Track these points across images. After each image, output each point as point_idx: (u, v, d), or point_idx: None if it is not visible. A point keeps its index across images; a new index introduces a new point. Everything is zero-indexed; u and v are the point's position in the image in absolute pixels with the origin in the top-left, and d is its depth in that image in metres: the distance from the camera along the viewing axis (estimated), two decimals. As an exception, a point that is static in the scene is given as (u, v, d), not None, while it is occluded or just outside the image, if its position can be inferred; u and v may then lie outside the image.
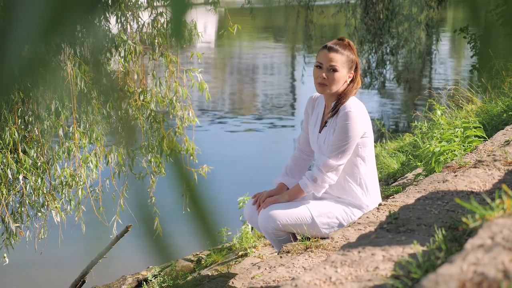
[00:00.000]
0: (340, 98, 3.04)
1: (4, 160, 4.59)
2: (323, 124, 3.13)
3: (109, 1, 4.55)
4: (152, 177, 5.08)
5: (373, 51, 12.34)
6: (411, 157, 4.94)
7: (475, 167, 2.59)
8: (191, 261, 4.98)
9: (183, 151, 5.28)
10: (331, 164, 2.98)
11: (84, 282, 4.72)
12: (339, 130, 2.97)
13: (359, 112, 2.99)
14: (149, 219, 0.88)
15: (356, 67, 3.08)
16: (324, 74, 2.99)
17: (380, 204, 2.81)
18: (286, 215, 3.03)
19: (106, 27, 4.66)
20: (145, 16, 5.08)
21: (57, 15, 0.70)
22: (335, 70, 2.99)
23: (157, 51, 5.05)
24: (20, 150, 4.67)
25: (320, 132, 3.14)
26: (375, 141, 6.12)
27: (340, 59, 3.00)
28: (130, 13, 4.87)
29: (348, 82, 3.06)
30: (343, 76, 3.02)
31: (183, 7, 0.74)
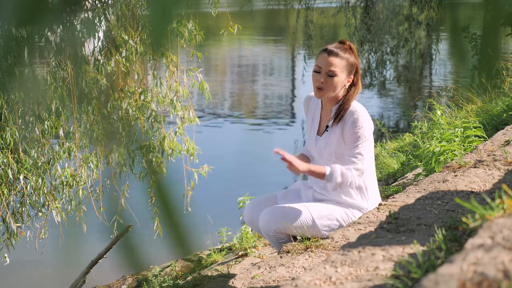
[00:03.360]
0: (343, 103, 3.02)
1: (5, 160, 4.60)
2: (324, 127, 3.12)
3: (110, 1, 4.55)
4: (153, 177, 5.07)
5: (373, 51, 12.35)
6: (411, 157, 4.95)
7: (475, 167, 2.60)
8: (191, 261, 4.98)
9: (184, 151, 5.29)
10: (361, 169, 2.96)
11: (84, 282, 4.72)
12: (354, 137, 2.94)
13: (365, 114, 2.99)
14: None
15: (357, 71, 3.05)
16: (322, 79, 2.97)
17: (380, 204, 2.82)
18: (287, 217, 3.03)
19: (107, 27, 4.67)
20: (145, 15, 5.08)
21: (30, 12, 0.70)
22: (333, 75, 2.96)
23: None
24: (20, 150, 4.68)
25: (319, 135, 3.13)
26: (375, 141, 6.13)
27: (340, 63, 2.97)
28: (130, 12, 4.87)
29: (347, 87, 3.03)
30: (341, 81, 2.99)
31: (165, 18, 0.72)
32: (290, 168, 2.90)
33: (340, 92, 3.02)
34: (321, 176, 2.95)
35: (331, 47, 3.02)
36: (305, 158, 3.29)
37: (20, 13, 0.69)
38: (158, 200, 0.81)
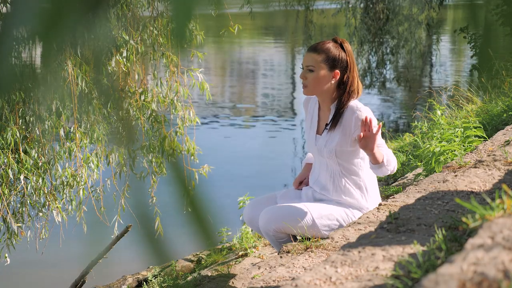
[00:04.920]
0: (339, 103, 3.03)
1: (6, 160, 4.60)
2: (323, 126, 3.12)
3: (110, 1, 4.56)
4: (153, 177, 5.09)
5: (373, 51, 12.36)
6: (411, 157, 4.95)
7: (475, 167, 2.60)
8: (191, 261, 4.99)
9: (184, 151, 5.29)
10: (389, 153, 2.94)
11: (84, 282, 4.72)
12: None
13: (365, 107, 2.99)
14: (149, 221, 0.89)
15: (347, 66, 3.02)
16: (303, 75, 3.02)
17: (380, 204, 2.82)
18: (286, 217, 3.03)
19: (107, 27, 4.67)
20: (146, 16, 5.09)
21: (57, 14, 0.70)
22: (311, 71, 2.99)
23: (157, 51, 5.06)
24: (21, 150, 4.68)
25: (319, 133, 3.13)
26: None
27: (317, 58, 2.98)
28: (131, 13, 4.88)
29: (334, 82, 3.01)
30: (322, 75, 2.99)
31: (188, 8, 0.73)
32: (362, 141, 2.81)
33: (327, 88, 3.01)
34: (376, 161, 2.86)
35: (314, 44, 3.07)
36: (309, 167, 3.33)
37: (44, 18, 0.69)
38: (183, 193, 0.82)
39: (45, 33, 0.69)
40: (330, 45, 3.02)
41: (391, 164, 2.91)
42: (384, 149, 2.94)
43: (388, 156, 2.90)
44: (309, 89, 3.03)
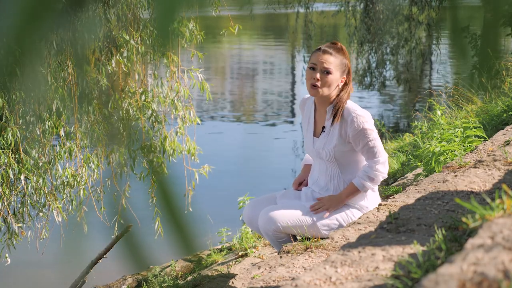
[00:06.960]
0: (338, 103, 3.04)
1: (6, 160, 4.60)
2: (320, 128, 3.12)
3: (110, 1, 4.56)
4: (153, 177, 5.08)
5: (373, 51, 12.35)
6: (411, 157, 4.95)
7: (475, 167, 2.60)
8: (191, 261, 4.99)
9: (185, 151, 5.29)
10: (380, 160, 3.00)
11: (84, 282, 4.72)
12: (361, 134, 2.96)
13: (361, 109, 3.01)
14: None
15: (349, 72, 3.06)
16: (318, 76, 2.97)
17: (380, 204, 2.82)
18: (286, 217, 3.03)
19: (107, 27, 4.67)
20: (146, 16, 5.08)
21: (36, 9, 0.69)
22: (329, 72, 2.97)
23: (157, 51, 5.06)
24: (21, 150, 4.68)
25: (316, 136, 3.13)
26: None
27: (334, 61, 2.99)
28: (131, 13, 4.88)
29: (341, 87, 3.04)
30: (336, 79, 3.00)
31: (171, 8, 0.72)
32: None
33: (334, 92, 3.03)
34: (357, 191, 3.04)
35: (325, 46, 3.05)
36: (308, 168, 3.33)
37: (24, 12, 0.69)
38: (161, 199, 0.81)
39: (25, 27, 0.69)
40: (342, 50, 3.05)
41: (366, 185, 3.02)
42: (372, 162, 3.01)
43: (367, 174, 3.01)
44: (321, 90, 2.99)
